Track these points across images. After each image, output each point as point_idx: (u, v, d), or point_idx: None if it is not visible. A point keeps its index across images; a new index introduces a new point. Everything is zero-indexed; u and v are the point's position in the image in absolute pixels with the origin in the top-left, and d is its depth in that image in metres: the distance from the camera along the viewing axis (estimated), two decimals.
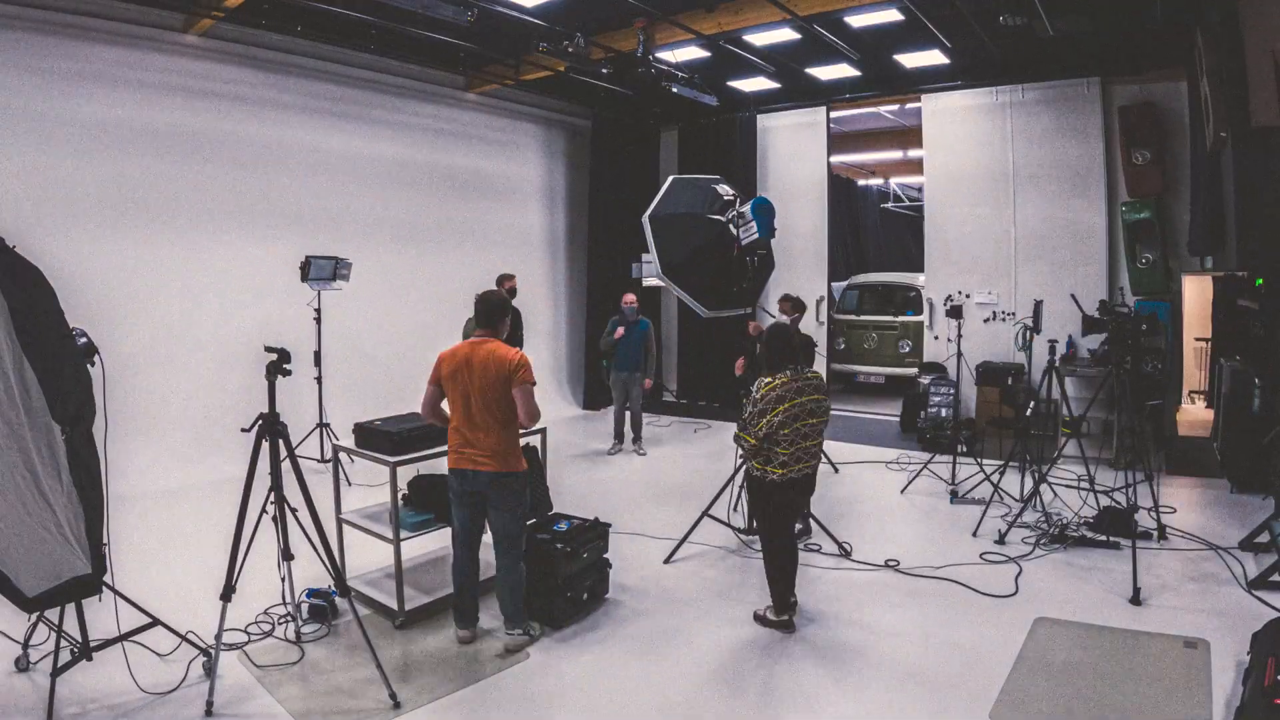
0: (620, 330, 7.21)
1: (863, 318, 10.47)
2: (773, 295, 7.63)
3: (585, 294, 9.97)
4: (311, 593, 3.82)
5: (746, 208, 4.66)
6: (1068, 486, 5.87)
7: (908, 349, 9.88)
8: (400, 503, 3.86)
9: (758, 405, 3.62)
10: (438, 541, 4.47)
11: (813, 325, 9.31)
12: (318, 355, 6.44)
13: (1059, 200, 7.66)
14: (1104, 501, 5.10)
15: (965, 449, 6.79)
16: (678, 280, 4.92)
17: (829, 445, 7.68)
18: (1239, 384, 5.61)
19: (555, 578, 3.75)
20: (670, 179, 5.28)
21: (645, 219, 4.91)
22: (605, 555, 4.11)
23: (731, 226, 4.73)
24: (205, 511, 5.42)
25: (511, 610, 3.56)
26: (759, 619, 3.86)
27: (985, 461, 6.25)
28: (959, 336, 6.36)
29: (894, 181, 15.48)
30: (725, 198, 4.92)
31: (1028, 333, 6.05)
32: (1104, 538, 4.75)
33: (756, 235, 4.58)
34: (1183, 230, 6.96)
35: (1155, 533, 4.81)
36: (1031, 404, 5.85)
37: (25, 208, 5.54)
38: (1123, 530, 4.65)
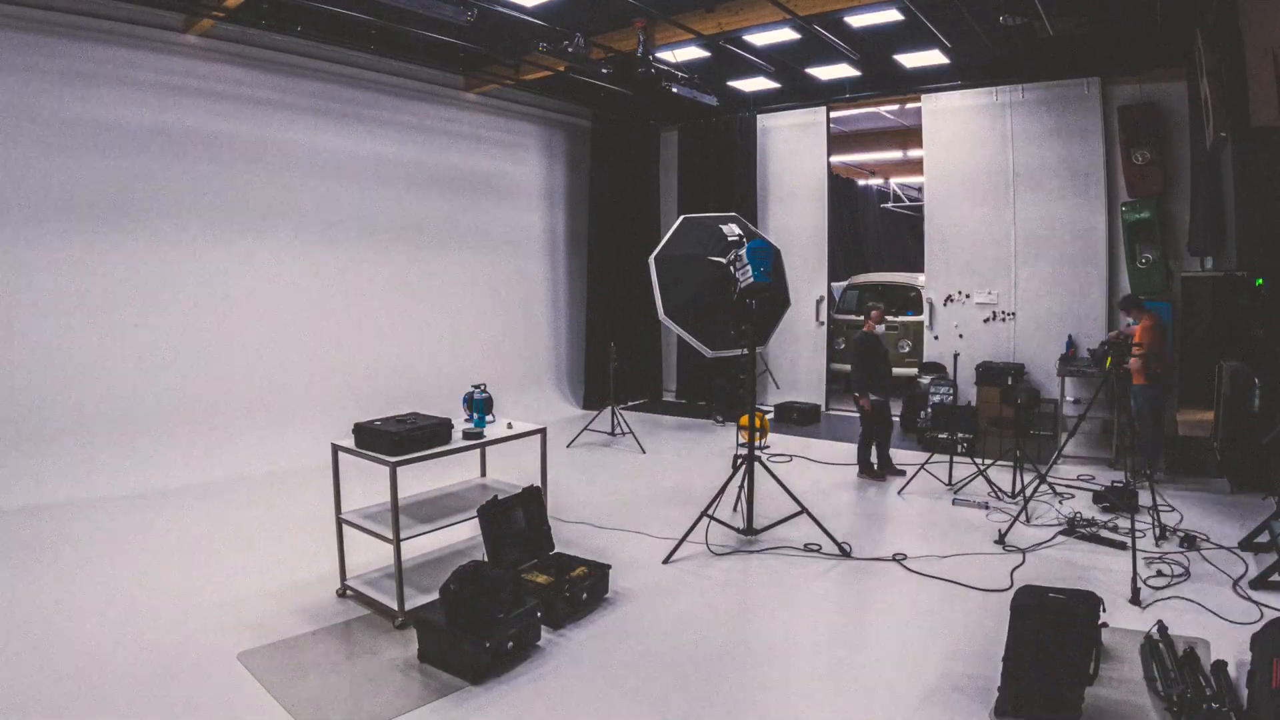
0: None
1: (863, 318, 10.44)
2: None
3: (585, 294, 9.97)
4: None
5: (744, 250, 4.64)
6: (1068, 486, 5.88)
7: (907, 349, 9.88)
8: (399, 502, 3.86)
9: None
10: (438, 542, 4.47)
11: (812, 325, 9.33)
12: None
13: (1059, 200, 7.66)
14: (1103, 502, 5.11)
15: (965, 449, 6.79)
16: (679, 322, 4.92)
17: (827, 446, 7.76)
18: (1239, 384, 5.61)
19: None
20: (680, 219, 5.26)
21: (651, 260, 4.92)
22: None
23: (731, 269, 4.71)
24: (205, 512, 5.41)
25: None
26: None
27: (984, 461, 6.24)
28: (958, 337, 6.37)
29: (894, 181, 15.48)
30: (730, 239, 4.90)
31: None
32: (1107, 518, 4.90)
33: (752, 279, 4.57)
34: (1183, 230, 6.96)
35: (1155, 533, 4.81)
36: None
37: (25, 207, 5.54)
38: (1127, 504, 4.77)
